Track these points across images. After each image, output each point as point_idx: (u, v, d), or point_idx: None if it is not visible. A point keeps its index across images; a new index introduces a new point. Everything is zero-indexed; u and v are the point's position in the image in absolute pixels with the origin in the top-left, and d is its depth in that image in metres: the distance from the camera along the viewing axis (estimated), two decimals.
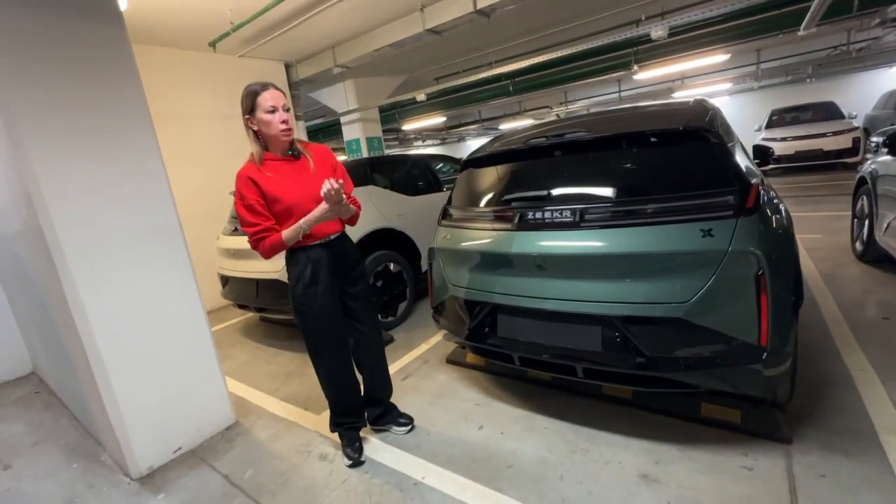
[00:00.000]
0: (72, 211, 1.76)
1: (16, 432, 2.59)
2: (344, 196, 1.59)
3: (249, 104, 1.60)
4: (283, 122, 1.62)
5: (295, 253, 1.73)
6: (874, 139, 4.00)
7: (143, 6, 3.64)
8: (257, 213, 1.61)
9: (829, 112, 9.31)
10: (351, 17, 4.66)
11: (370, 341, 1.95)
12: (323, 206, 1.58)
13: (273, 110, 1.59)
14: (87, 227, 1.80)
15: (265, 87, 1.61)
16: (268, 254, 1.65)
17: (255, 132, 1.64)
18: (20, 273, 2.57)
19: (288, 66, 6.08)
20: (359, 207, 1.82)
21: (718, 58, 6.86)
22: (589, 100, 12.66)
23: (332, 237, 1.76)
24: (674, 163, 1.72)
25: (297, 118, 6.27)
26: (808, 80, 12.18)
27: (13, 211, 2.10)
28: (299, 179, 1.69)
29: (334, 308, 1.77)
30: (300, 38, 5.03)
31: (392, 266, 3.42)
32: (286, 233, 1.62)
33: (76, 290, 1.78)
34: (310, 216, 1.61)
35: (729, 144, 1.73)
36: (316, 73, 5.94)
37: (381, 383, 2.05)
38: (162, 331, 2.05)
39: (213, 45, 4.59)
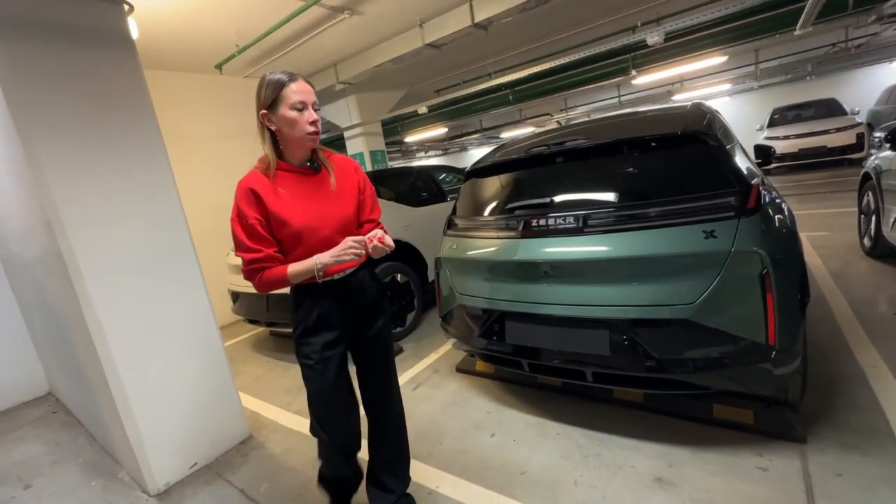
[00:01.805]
0: (90, 235, 1.82)
1: (35, 452, 2.63)
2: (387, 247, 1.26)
3: (271, 97, 1.24)
4: (313, 122, 1.27)
5: (300, 293, 1.38)
6: (877, 134, 3.99)
7: (153, 33, 3.77)
8: (257, 236, 1.25)
9: (831, 109, 9.29)
10: (352, 36, 4.77)
11: (386, 405, 1.55)
12: (348, 247, 1.23)
13: (302, 107, 1.24)
14: (105, 251, 1.86)
15: (293, 77, 1.25)
16: (264, 288, 1.29)
17: (271, 133, 1.29)
18: (38, 297, 2.63)
19: None
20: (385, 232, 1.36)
21: (716, 60, 6.91)
22: (589, 106, 12.74)
23: (346, 273, 1.39)
24: (674, 166, 1.75)
25: None
26: (808, 78, 12.18)
27: (33, 237, 2.17)
28: (316, 198, 1.33)
29: (342, 361, 1.43)
30: (303, 56, 5.16)
31: (399, 277, 3.45)
32: (293, 269, 1.26)
33: (95, 312, 1.83)
34: (328, 255, 1.24)
35: (728, 146, 1.76)
36: (319, 90, 6.00)
37: (396, 459, 1.60)
38: (177, 348, 2.09)
39: (219, 67, 4.72)
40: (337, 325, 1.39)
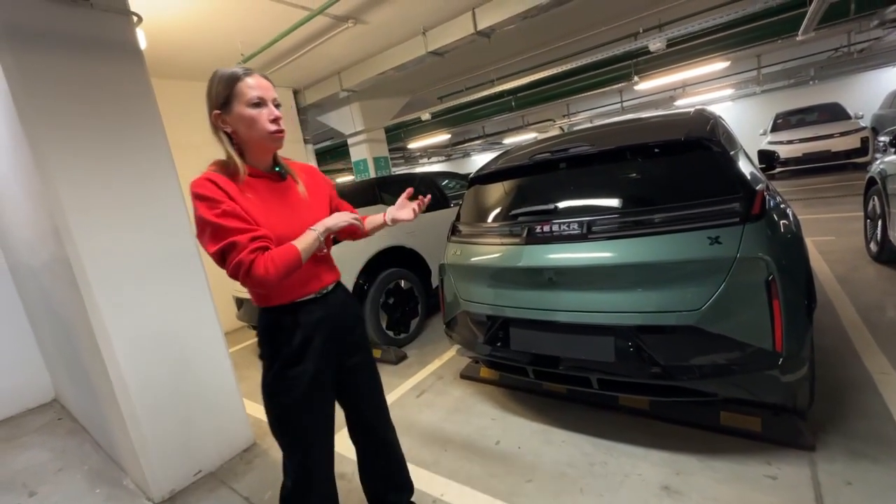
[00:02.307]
0: (97, 242, 1.83)
1: (40, 459, 2.64)
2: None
3: (224, 94, 1.08)
4: (274, 120, 1.12)
5: (271, 314, 1.18)
6: (882, 138, 3.98)
7: (160, 43, 3.82)
8: (243, 218, 1.05)
9: (834, 113, 9.28)
10: (356, 44, 4.82)
11: (379, 430, 1.43)
12: (346, 217, 1.17)
13: (259, 103, 1.10)
14: (112, 257, 1.87)
15: (248, 71, 1.11)
16: (278, 271, 1.03)
17: (228, 135, 1.12)
18: (45, 303, 2.65)
19: (296, 93, 6.28)
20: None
21: (718, 65, 6.93)
22: (591, 111, 12.78)
23: (329, 288, 1.26)
24: (678, 173, 1.75)
25: (306, 141, 6.43)
26: (811, 83, 12.16)
27: (41, 245, 2.19)
28: (289, 206, 1.19)
29: (327, 394, 1.26)
30: (307, 65, 5.21)
31: (403, 283, 3.46)
32: (300, 244, 1.09)
33: (101, 319, 1.84)
34: (331, 220, 1.14)
35: (731, 152, 1.76)
36: (323, 98, 6.12)
37: (398, 477, 1.51)
38: (182, 355, 2.10)
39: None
40: (323, 348, 1.21)
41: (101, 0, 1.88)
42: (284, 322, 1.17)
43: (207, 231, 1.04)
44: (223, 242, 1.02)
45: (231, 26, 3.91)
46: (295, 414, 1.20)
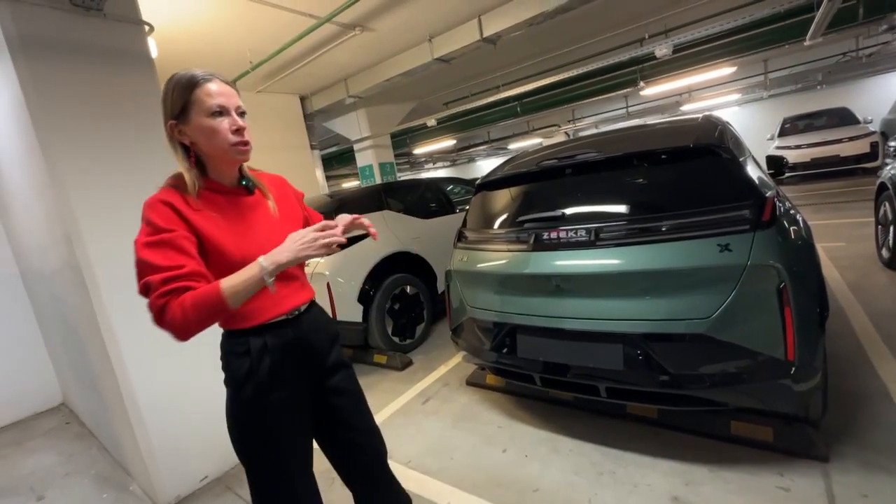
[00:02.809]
0: (107, 247, 1.85)
1: (48, 463, 2.65)
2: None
3: (179, 102, 0.97)
4: (237, 130, 0.99)
5: (236, 338, 1.05)
6: (892, 143, 3.94)
7: (171, 51, 3.88)
8: (180, 249, 0.90)
9: (843, 118, 9.21)
10: (363, 51, 4.86)
11: (369, 454, 1.23)
12: (310, 238, 0.94)
13: (220, 112, 0.98)
14: (121, 263, 1.89)
15: (208, 76, 0.99)
16: (188, 323, 0.86)
17: (184, 147, 1.01)
18: (55, 308, 2.68)
19: (303, 99, 6.34)
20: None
21: (725, 70, 6.91)
22: (596, 117, 12.78)
23: (301, 309, 1.12)
24: (686, 179, 1.74)
25: (312, 147, 6.49)
26: (818, 87, 12.10)
27: (52, 250, 2.22)
28: (255, 224, 1.06)
29: (302, 422, 1.12)
30: (314, 72, 5.27)
31: (409, 289, 3.46)
32: (227, 283, 0.89)
33: (109, 323, 1.86)
34: (284, 252, 0.93)
35: (740, 159, 1.75)
36: (330, 104, 6.18)
37: (396, 498, 1.31)
38: (190, 359, 2.10)
39: (233, 82, 4.83)
40: (296, 373, 1.08)
41: (114, 10, 1.92)
42: (249, 344, 1.03)
43: (138, 255, 0.90)
44: (139, 282, 0.89)
45: (240, 34, 3.97)
46: (269, 445, 1.06)
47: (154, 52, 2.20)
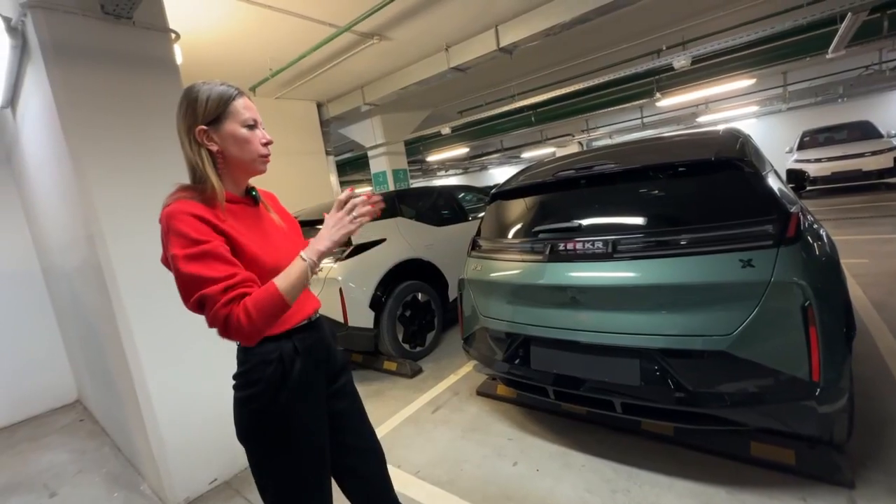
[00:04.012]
0: (129, 248, 1.89)
1: (61, 460, 2.69)
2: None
3: (215, 111, 1.00)
4: (266, 144, 1.07)
5: (265, 344, 1.04)
6: None
7: (194, 58, 3.98)
8: (224, 259, 0.92)
9: (865, 131, 9.03)
10: (380, 60, 4.92)
11: (372, 460, 1.23)
12: (339, 217, 1.00)
13: (254, 125, 1.04)
14: (142, 264, 1.92)
15: (241, 92, 1.05)
16: (257, 323, 0.89)
17: (210, 154, 1.02)
18: (74, 306, 2.73)
19: (320, 106, 6.44)
20: None
21: (743, 82, 6.83)
22: (611, 127, 12.71)
23: (315, 315, 1.16)
24: (708, 193, 1.71)
25: (327, 153, 6.56)
26: (839, 100, 11.89)
27: (74, 249, 2.27)
28: (269, 233, 1.10)
29: (326, 427, 1.12)
30: (332, 80, 5.35)
31: (420, 296, 3.45)
32: (282, 283, 0.92)
33: (128, 322, 1.88)
34: (318, 242, 0.98)
35: (763, 172, 1.72)
36: (346, 111, 6.26)
37: None
38: (205, 362, 2.12)
39: (253, 89, 4.93)
40: (318, 378, 1.10)
41: (143, 18, 1.97)
42: (284, 350, 1.04)
43: (184, 270, 0.89)
44: (191, 297, 0.90)
45: (261, 42, 4.05)
46: (300, 454, 1.04)
47: (179, 59, 2.25)
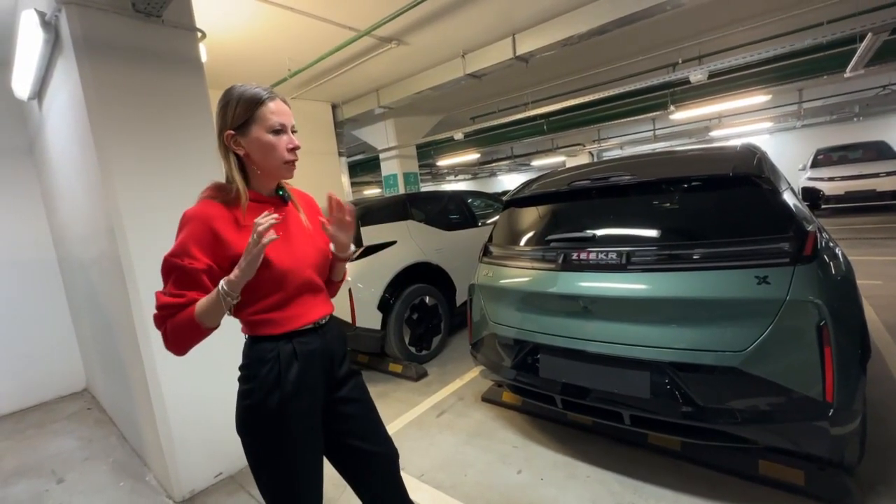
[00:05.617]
0: (148, 241, 1.92)
1: (69, 447, 2.72)
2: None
3: (243, 116, 1.02)
4: (293, 149, 1.07)
5: (264, 343, 1.07)
6: None
7: (217, 57, 4.04)
8: (191, 283, 0.97)
9: (880, 151, 8.94)
10: (396, 64, 4.97)
11: (382, 464, 1.22)
12: (246, 254, 0.94)
13: (281, 130, 1.04)
14: (159, 258, 1.91)
15: (271, 94, 1.05)
16: (173, 344, 1.00)
17: (238, 158, 1.05)
18: (89, 296, 2.77)
19: (334, 107, 6.50)
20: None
21: (759, 98, 6.80)
22: (622, 138, 12.68)
23: (325, 319, 1.16)
24: (724, 208, 1.71)
25: (340, 154, 6.62)
26: (855, 119, 11.77)
27: (93, 241, 2.31)
28: (292, 234, 1.10)
29: (319, 431, 1.14)
30: (348, 82, 5.40)
31: (427, 299, 3.46)
32: (201, 306, 0.95)
33: (143, 314, 1.91)
34: (231, 274, 0.95)
35: (780, 189, 1.71)
36: (360, 113, 6.31)
37: None
38: (216, 356, 2.13)
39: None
40: (317, 383, 1.10)
41: (171, 17, 2.02)
42: (282, 352, 1.06)
43: (163, 268, 0.99)
44: (157, 291, 1.00)
45: (281, 43, 4.11)
46: (287, 454, 1.06)
47: (204, 58, 2.30)
